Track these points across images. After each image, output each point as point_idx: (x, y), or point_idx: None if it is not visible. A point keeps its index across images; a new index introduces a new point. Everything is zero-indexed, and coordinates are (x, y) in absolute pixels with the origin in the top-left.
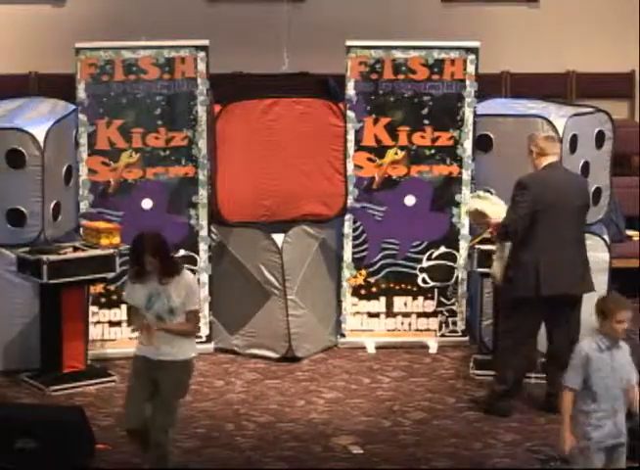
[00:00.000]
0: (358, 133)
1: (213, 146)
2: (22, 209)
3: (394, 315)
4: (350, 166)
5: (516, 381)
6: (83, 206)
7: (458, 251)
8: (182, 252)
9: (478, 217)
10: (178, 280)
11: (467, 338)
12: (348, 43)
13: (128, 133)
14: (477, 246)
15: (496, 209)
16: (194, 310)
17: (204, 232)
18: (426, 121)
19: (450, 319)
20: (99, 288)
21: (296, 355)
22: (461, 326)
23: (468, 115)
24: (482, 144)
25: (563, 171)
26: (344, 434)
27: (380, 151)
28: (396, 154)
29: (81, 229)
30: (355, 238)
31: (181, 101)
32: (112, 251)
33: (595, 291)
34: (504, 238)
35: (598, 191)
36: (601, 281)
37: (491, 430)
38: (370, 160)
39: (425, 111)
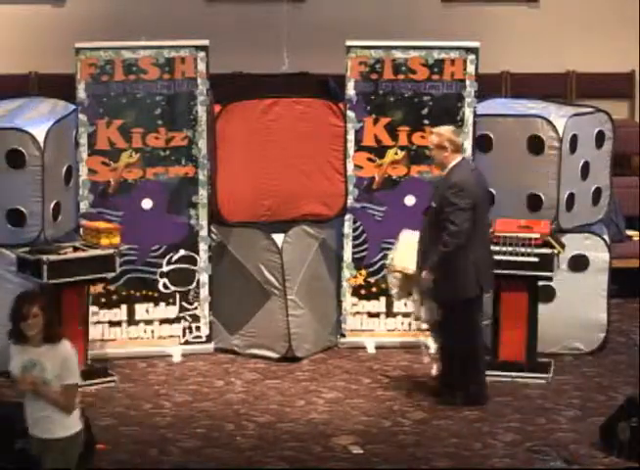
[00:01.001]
0: (358, 133)
1: (213, 146)
2: (23, 209)
3: (394, 315)
4: (350, 166)
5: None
6: (83, 206)
7: None
8: (182, 252)
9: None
10: (56, 348)
11: None
12: (348, 43)
13: (128, 133)
14: None
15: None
16: (71, 385)
17: (204, 232)
18: (426, 121)
19: None
20: (99, 288)
21: (296, 355)
22: None
23: (468, 115)
24: (482, 144)
25: (473, 167)
26: (344, 434)
27: (380, 151)
28: (396, 154)
29: (81, 229)
30: (355, 238)
31: (181, 101)
32: (112, 251)
33: None
34: (457, 245)
35: (598, 191)
36: (601, 281)
37: (491, 430)
38: (370, 160)
39: (425, 111)
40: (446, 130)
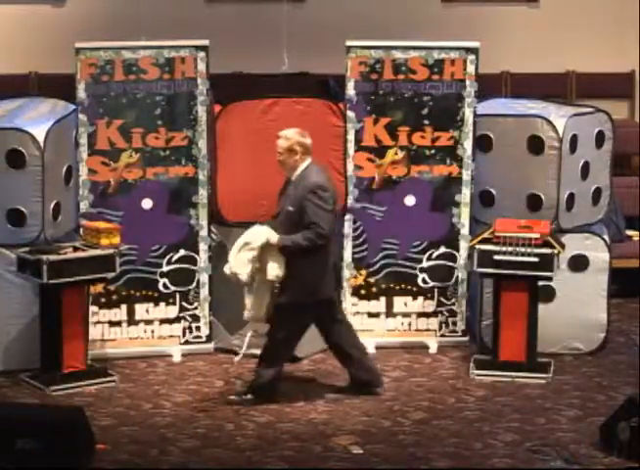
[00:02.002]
0: (358, 133)
1: (213, 146)
2: (23, 209)
3: (394, 315)
4: (350, 167)
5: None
6: (83, 206)
7: (458, 251)
8: (182, 252)
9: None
10: None
11: (467, 338)
12: (348, 43)
13: (128, 133)
14: (477, 246)
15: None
16: None
17: (204, 232)
18: (426, 121)
19: (450, 319)
20: (99, 288)
21: (296, 356)
22: (461, 326)
23: (468, 115)
24: (483, 144)
25: (322, 169)
26: (344, 434)
27: (380, 151)
28: (396, 154)
29: (81, 229)
30: (355, 238)
31: (181, 101)
32: (112, 251)
33: None
34: (319, 246)
35: (598, 191)
36: (601, 281)
37: (491, 430)
38: (370, 160)
39: (425, 111)
40: (294, 133)
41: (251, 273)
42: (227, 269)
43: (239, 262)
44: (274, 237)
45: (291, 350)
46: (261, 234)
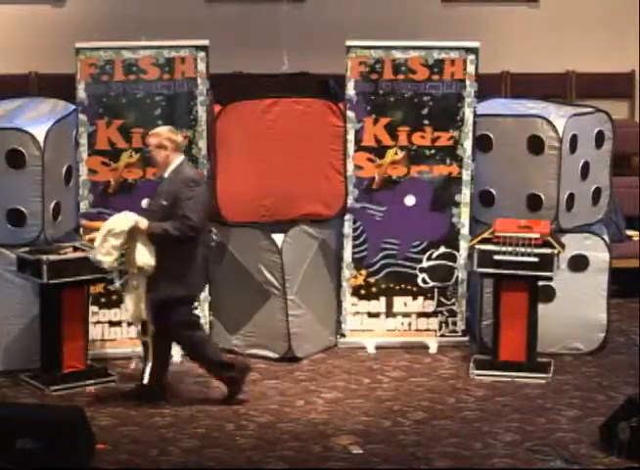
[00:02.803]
0: (358, 133)
1: (213, 146)
2: (23, 209)
3: (394, 315)
4: (350, 167)
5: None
6: (83, 206)
7: (458, 251)
8: None
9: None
10: None
11: (467, 338)
12: (348, 43)
13: (128, 133)
14: (477, 246)
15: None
16: None
17: None
18: (426, 121)
19: (450, 319)
20: (99, 288)
21: (295, 355)
22: (461, 326)
23: (468, 115)
24: (482, 144)
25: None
26: (344, 434)
27: (380, 151)
28: (396, 154)
29: (81, 229)
30: (355, 238)
31: (181, 101)
32: None
33: None
34: (193, 235)
35: (598, 191)
36: (601, 281)
37: (491, 430)
38: (370, 160)
39: (425, 111)
40: (164, 130)
41: (115, 261)
42: (91, 256)
43: (103, 250)
44: (144, 222)
45: (169, 348)
46: (127, 220)
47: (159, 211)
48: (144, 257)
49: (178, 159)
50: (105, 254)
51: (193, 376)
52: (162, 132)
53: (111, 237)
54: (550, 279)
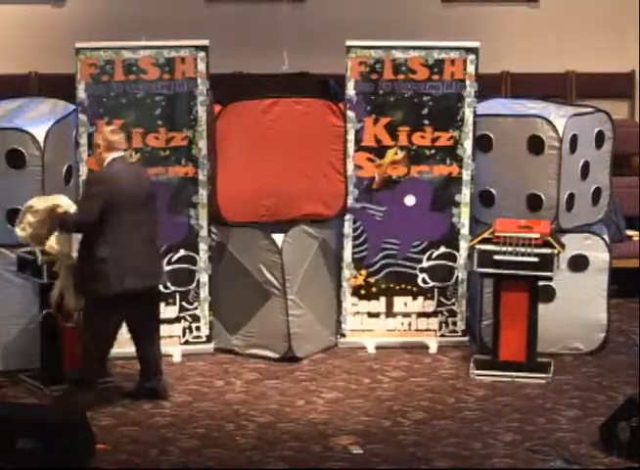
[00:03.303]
0: (358, 133)
1: (213, 146)
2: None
3: (394, 315)
4: (350, 166)
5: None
6: None
7: (458, 251)
8: (182, 252)
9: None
10: None
11: (467, 338)
12: (348, 43)
13: (128, 133)
14: (477, 246)
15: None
16: None
17: (203, 232)
18: (426, 121)
19: (450, 319)
20: None
21: (295, 355)
22: (461, 326)
23: (468, 115)
24: (483, 144)
25: (128, 165)
26: (344, 434)
27: (380, 151)
28: (396, 154)
29: None
30: (355, 238)
31: (181, 101)
32: None
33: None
34: (77, 229)
35: (598, 191)
36: (601, 281)
37: (491, 430)
38: (370, 160)
39: (425, 111)
40: (105, 129)
41: (29, 238)
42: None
43: (21, 225)
44: (61, 209)
45: (102, 346)
46: (49, 200)
47: None
48: (55, 241)
49: (110, 156)
50: (21, 229)
51: (193, 376)
52: (102, 131)
53: (29, 213)
54: (550, 279)
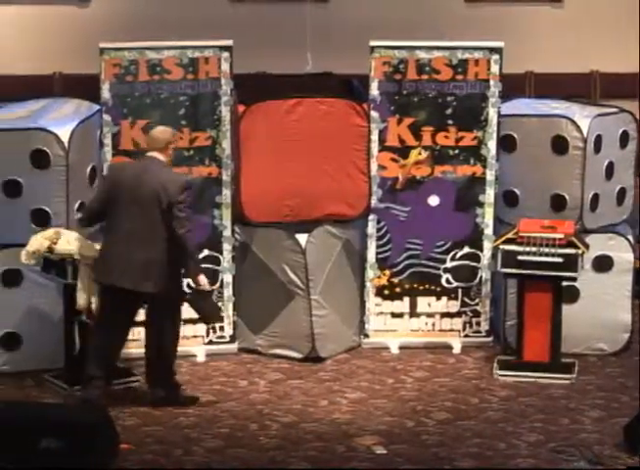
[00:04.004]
0: (382, 133)
1: (237, 146)
2: (47, 209)
3: (418, 316)
4: (374, 167)
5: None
6: None
7: (482, 251)
8: (206, 252)
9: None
10: None
11: (491, 338)
12: (372, 43)
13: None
14: (501, 246)
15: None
16: None
17: (227, 232)
18: (449, 122)
19: (474, 320)
20: None
21: (319, 356)
22: (485, 326)
23: (492, 115)
24: (506, 144)
25: (148, 164)
26: (368, 434)
27: (403, 151)
28: (420, 154)
29: None
30: (379, 238)
31: (205, 101)
32: None
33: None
34: (85, 215)
35: (622, 191)
36: (625, 282)
37: (515, 430)
38: (394, 160)
39: (449, 111)
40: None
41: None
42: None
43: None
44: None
45: (103, 341)
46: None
47: None
48: (67, 242)
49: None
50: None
51: (216, 376)
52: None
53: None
54: (574, 279)
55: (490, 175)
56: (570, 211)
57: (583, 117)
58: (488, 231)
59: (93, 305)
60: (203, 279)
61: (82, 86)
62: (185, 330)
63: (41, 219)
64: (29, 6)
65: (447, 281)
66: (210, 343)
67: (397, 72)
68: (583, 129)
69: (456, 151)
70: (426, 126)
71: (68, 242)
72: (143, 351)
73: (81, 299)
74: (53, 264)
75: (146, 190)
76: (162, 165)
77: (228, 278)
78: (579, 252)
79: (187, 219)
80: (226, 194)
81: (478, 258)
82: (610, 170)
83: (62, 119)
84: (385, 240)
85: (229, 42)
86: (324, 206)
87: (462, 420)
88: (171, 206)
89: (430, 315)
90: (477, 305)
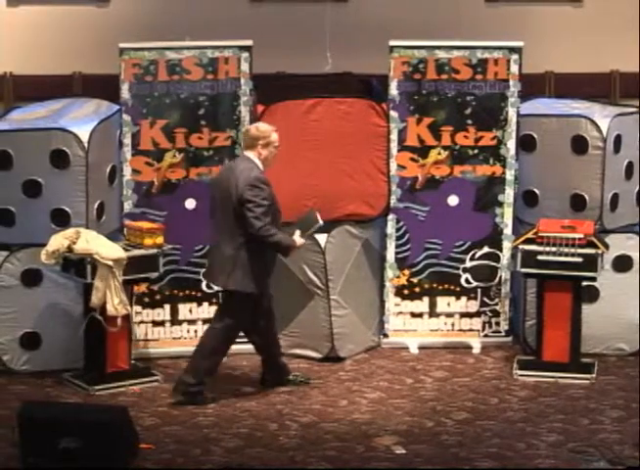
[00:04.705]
0: (401, 133)
1: None
2: (67, 209)
3: (437, 315)
4: (393, 166)
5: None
6: (127, 206)
7: (501, 251)
8: None
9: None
10: None
11: (510, 338)
12: (392, 43)
13: (172, 133)
14: (520, 246)
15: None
16: None
17: None
18: (469, 121)
19: (493, 320)
20: (142, 288)
21: (339, 356)
22: (504, 326)
23: (511, 114)
24: (526, 144)
25: (238, 163)
26: (387, 434)
27: (423, 151)
28: (439, 154)
29: (125, 229)
30: (398, 238)
31: (224, 101)
32: (155, 251)
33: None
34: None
35: None
36: None
37: (535, 430)
38: (413, 160)
39: (468, 111)
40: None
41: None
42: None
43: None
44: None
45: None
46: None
47: None
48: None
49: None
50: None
51: (236, 375)
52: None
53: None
54: (594, 279)
55: (510, 175)
56: (589, 211)
57: (603, 117)
58: (508, 231)
59: (108, 305)
60: (299, 241)
61: (102, 86)
62: (204, 329)
63: (61, 219)
64: (48, 6)
65: (467, 281)
66: None
67: (417, 72)
68: (603, 129)
69: (475, 151)
70: (445, 126)
71: (87, 241)
72: (191, 348)
73: (96, 298)
74: (72, 264)
75: (225, 189)
76: (247, 163)
77: None
78: (599, 252)
79: (256, 218)
80: None
81: (497, 258)
82: (629, 170)
83: (81, 119)
84: (404, 240)
85: (249, 42)
86: (343, 205)
87: (481, 420)
88: (242, 204)
89: (449, 315)
90: (496, 304)
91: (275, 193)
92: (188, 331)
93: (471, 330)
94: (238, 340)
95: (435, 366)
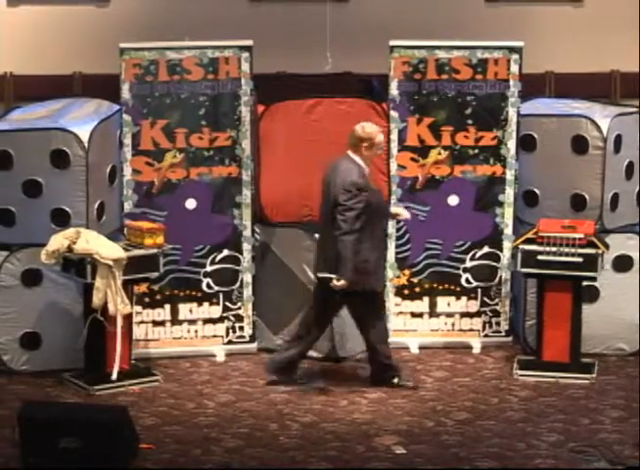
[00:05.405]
0: (401, 133)
1: (257, 146)
2: (67, 208)
3: (438, 315)
4: (394, 166)
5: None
6: (127, 206)
7: (502, 251)
8: (226, 252)
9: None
10: None
11: (510, 338)
12: (392, 43)
13: (172, 133)
14: (520, 246)
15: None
16: None
17: (247, 232)
18: (469, 121)
19: (494, 319)
20: (142, 288)
21: (339, 356)
22: (504, 326)
23: (511, 114)
24: (526, 144)
25: (339, 163)
26: (388, 434)
27: (423, 151)
28: (440, 154)
29: (125, 229)
30: (399, 238)
31: (225, 101)
32: (155, 251)
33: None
34: None
35: None
36: None
37: (535, 430)
38: (413, 160)
39: (468, 111)
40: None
41: (49, 256)
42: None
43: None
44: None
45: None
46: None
47: None
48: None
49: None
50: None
51: (236, 376)
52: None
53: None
54: (594, 279)
55: (510, 175)
56: (589, 211)
57: (603, 117)
58: (508, 231)
59: (109, 305)
60: (336, 283)
61: (102, 86)
62: (204, 330)
63: (61, 219)
64: (49, 6)
65: (467, 281)
66: (230, 343)
67: (417, 72)
68: (603, 129)
69: (476, 151)
70: (445, 126)
71: (87, 241)
72: (197, 349)
73: (97, 298)
74: (72, 264)
75: (327, 187)
76: (348, 164)
77: (248, 278)
78: (599, 252)
79: (345, 221)
80: (246, 194)
81: (497, 258)
82: (630, 170)
83: (82, 119)
84: (404, 240)
85: (249, 42)
86: None
87: (482, 420)
88: (335, 206)
89: (449, 315)
90: (496, 304)
91: (380, 195)
92: (188, 331)
93: (471, 330)
94: (237, 340)
95: (436, 366)
